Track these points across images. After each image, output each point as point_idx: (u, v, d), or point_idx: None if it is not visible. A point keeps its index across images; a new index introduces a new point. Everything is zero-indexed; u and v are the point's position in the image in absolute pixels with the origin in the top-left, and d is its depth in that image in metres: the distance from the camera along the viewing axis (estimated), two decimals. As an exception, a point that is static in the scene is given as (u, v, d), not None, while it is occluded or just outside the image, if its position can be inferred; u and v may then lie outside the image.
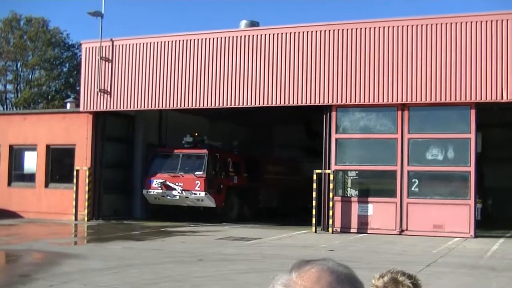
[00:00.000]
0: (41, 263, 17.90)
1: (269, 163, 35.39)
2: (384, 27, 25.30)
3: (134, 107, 29.51)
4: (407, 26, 24.98)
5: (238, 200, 31.16)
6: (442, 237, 23.37)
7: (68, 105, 34.85)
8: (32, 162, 31.85)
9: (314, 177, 25.83)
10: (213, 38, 27.90)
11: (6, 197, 31.67)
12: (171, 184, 28.92)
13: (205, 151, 29.38)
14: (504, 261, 17.77)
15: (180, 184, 28.81)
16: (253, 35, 27.35)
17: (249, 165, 32.51)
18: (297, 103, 26.48)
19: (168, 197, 29.10)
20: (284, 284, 1.78)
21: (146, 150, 31.91)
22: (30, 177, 32.01)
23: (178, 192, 28.79)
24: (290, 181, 34.91)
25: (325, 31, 26.10)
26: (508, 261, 17.74)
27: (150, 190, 29.38)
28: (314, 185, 25.71)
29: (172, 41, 28.63)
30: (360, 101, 25.50)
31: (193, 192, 28.57)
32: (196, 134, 30.21)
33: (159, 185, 28.97)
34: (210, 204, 29.05)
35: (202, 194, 28.50)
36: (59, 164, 32.14)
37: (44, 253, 19.45)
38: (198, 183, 28.54)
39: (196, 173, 28.90)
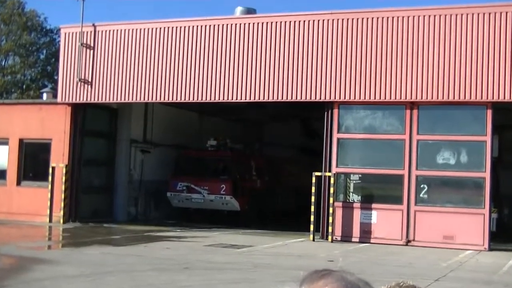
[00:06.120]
0: (10, 269, 17.73)
1: (286, 164, 36.85)
2: (393, 17, 25.11)
3: (117, 99, 29.26)
4: (418, 16, 24.79)
5: (259, 203, 32.53)
6: (453, 249, 23.22)
7: (45, 95, 34.68)
8: (3, 157, 31.54)
9: (313, 180, 25.68)
10: (205, 26, 27.67)
11: (-27, 195, 31.35)
12: (196, 188, 30.69)
13: (229, 154, 31.86)
14: (520, 276, 17.65)
15: (205, 187, 30.68)
16: (248, 23, 27.14)
17: (269, 166, 34.60)
18: (295, 99, 26.28)
19: (193, 200, 30.92)
20: None
21: (130, 146, 31.78)
22: (1, 174, 31.70)
23: (203, 196, 30.51)
24: (304, 181, 35.38)
25: (327, 20, 25.91)
26: (525, 277, 17.62)
27: (174, 193, 31.15)
28: (313, 189, 25.57)
29: (160, 28, 28.39)
30: (364, 98, 25.32)
31: (218, 195, 30.42)
32: (220, 137, 32.34)
33: (184, 188, 30.62)
34: (234, 207, 30.84)
35: (228, 197, 30.44)
36: (33, 160, 31.93)
37: (14, 257, 19.27)
38: (223, 186, 30.47)
39: (221, 176, 31.08)
